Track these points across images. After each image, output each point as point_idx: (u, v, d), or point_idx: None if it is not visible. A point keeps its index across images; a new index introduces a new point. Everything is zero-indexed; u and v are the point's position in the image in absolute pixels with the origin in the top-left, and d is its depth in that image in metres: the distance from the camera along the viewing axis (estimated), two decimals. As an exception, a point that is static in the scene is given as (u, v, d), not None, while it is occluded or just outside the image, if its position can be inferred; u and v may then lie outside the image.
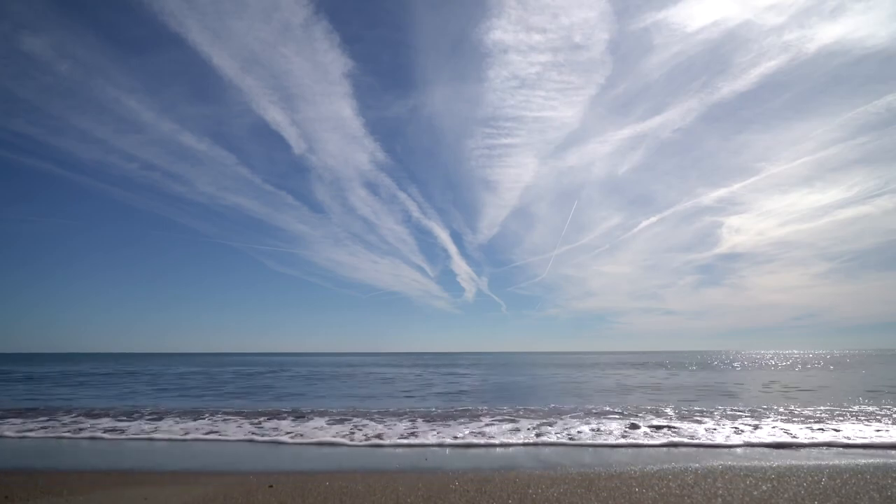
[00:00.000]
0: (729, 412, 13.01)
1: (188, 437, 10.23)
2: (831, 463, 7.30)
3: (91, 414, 13.60)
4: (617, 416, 12.25)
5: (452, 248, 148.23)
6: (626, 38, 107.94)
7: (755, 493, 5.65)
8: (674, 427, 10.47)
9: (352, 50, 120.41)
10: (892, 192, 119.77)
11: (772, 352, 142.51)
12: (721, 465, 7.19)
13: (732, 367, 44.25)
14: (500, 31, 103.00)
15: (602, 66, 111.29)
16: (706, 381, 26.14)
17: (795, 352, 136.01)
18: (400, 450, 8.92)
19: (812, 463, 7.30)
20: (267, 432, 10.49)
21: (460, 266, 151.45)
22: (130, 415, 13.39)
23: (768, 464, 7.24)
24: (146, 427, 11.26)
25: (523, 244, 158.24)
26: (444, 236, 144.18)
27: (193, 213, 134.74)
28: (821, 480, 6.21)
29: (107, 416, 13.22)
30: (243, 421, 12.03)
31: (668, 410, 13.39)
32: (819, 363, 50.95)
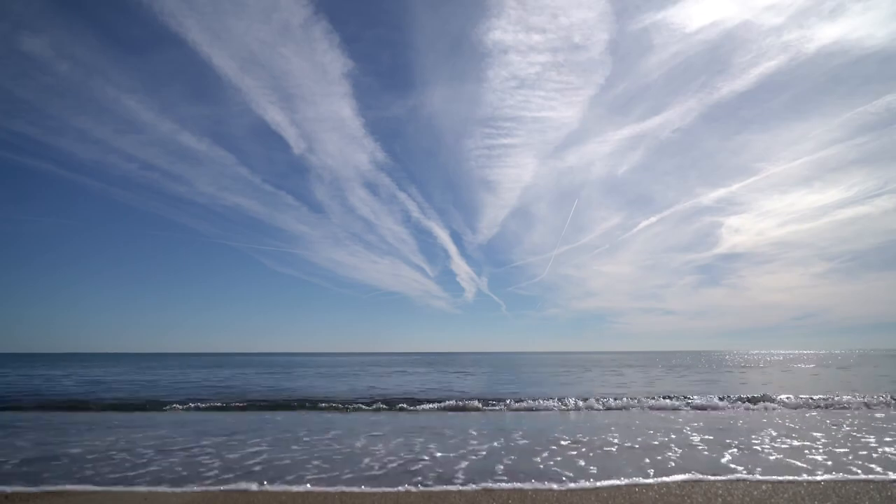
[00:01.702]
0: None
1: None
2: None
3: None
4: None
5: (452, 248, 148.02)
6: (626, 38, 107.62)
7: (755, 492, 5.64)
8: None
9: (351, 50, 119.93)
10: (892, 192, 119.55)
11: (779, 352, 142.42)
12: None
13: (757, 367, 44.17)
14: (500, 32, 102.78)
15: (601, 66, 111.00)
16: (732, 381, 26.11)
17: (796, 352, 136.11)
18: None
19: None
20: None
21: (460, 266, 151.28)
22: None
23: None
24: None
25: (523, 244, 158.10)
26: (443, 236, 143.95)
27: (193, 213, 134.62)
28: (821, 481, 6.20)
29: None
30: None
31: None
32: (823, 363, 50.92)
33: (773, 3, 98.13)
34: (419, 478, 6.51)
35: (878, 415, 12.85)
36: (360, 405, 15.06)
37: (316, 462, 7.50)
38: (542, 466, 7.09)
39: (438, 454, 8.00)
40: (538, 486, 6.02)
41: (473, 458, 7.73)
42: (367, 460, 7.60)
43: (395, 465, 7.31)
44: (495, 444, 8.86)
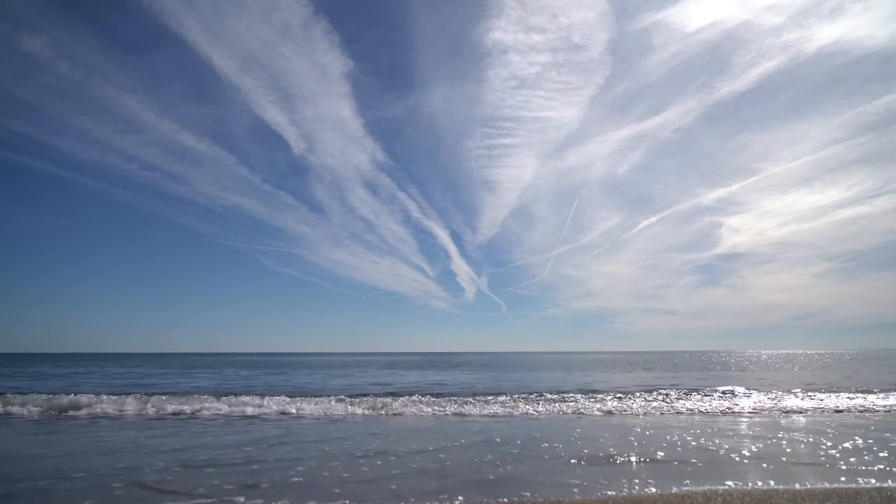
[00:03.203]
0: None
1: None
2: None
3: None
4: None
5: (452, 248, 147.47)
6: (626, 38, 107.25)
7: (755, 493, 5.59)
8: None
9: (351, 50, 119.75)
10: (892, 192, 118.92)
11: (780, 352, 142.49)
12: (721, 465, 7.13)
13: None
14: (500, 32, 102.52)
15: (601, 66, 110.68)
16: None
17: (799, 351, 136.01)
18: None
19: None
20: None
21: (460, 266, 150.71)
22: None
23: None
24: None
25: (523, 244, 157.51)
26: (443, 236, 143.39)
27: (193, 213, 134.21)
28: (823, 485, 6.14)
29: None
30: None
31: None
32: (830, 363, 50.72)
33: (773, 3, 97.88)
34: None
35: None
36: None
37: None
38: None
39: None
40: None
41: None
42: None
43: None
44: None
